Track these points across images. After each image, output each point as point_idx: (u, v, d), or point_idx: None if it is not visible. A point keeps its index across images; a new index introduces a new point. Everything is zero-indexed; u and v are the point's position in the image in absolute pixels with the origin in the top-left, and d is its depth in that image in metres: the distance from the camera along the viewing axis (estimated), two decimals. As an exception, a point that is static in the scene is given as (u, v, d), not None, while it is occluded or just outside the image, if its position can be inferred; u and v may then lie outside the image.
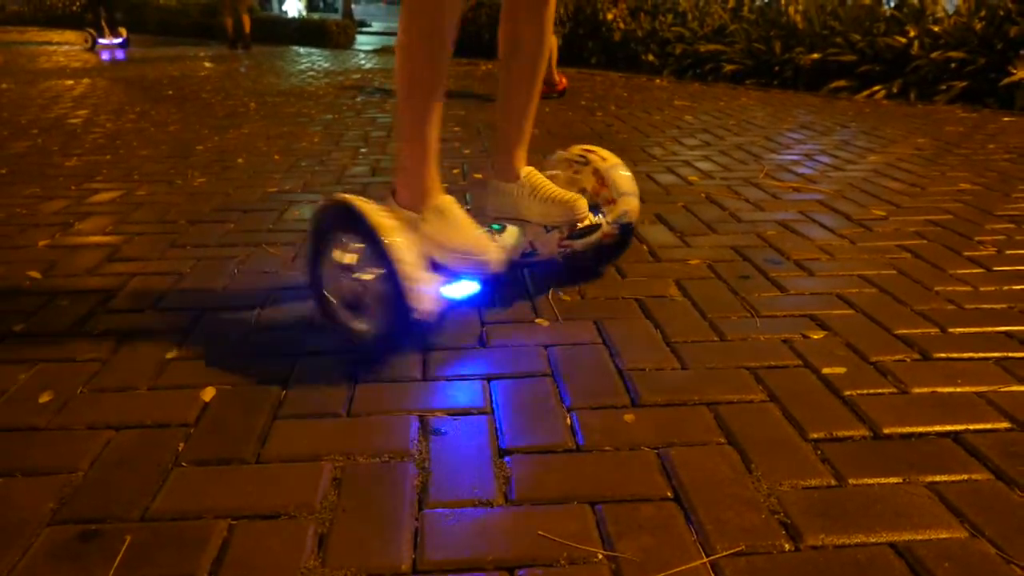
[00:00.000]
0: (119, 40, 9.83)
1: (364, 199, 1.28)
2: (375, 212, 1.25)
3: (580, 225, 1.55)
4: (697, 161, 2.93)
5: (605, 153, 1.67)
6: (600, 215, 1.61)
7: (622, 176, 1.63)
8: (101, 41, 9.73)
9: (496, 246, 1.38)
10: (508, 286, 1.64)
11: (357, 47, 11.06)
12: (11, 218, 2.17)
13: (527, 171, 1.60)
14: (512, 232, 1.54)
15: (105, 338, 1.39)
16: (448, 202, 1.38)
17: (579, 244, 1.59)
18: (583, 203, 1.53)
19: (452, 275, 1.34)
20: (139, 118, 4.05)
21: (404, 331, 1.26)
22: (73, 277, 1.71)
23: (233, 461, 1.03)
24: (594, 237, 1.59)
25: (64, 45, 10.37)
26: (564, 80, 4.89)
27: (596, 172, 1.66)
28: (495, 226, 1.56)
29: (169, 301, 1.57)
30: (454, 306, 1.45)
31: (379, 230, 1.21)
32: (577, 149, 1.70)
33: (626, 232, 1.63)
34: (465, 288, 1.38)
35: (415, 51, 1.31)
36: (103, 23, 9.72)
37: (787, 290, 1.62)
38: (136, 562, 0.84)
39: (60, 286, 1.65)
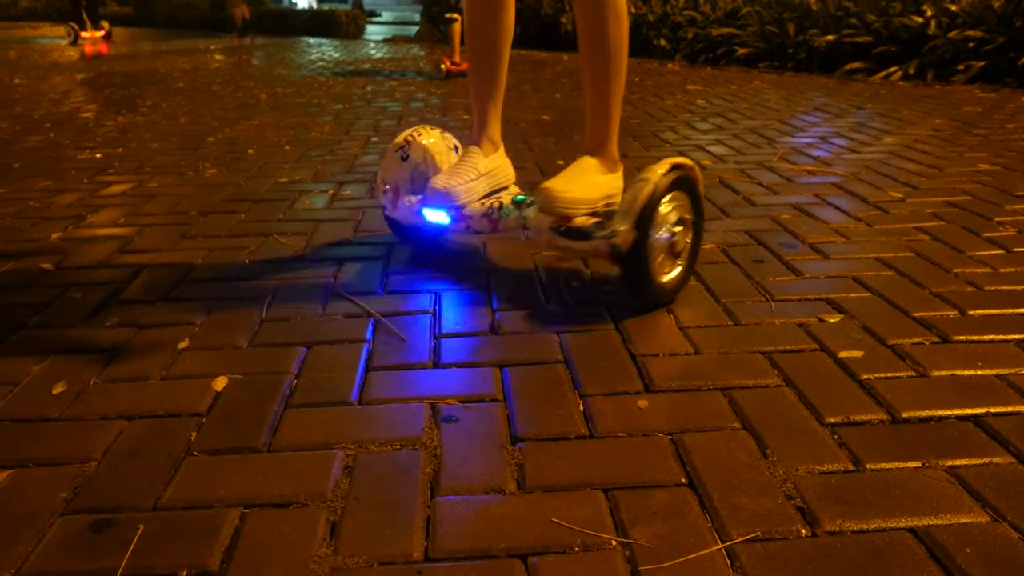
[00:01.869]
0: (102, 33, 9.84)
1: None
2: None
3: (565, 223, 1.45)
4: (710, 145, 2.90)
5: (660, 167, 1.39)
6: (599, 227, 1.43)
7: (631, 191, 1.37)
8: (83, 35, 9.76)
9: (455, 188, 1.52)
10: (518, 271, 1.63)
11: (367, 37, 11.04)
12: (24, 211, 2.18)
13: (580, 157, 1.54)
14: (531, 209, 1.50)
15: (117, 329, 1.40)
16: (467, 149, 1.62)
17: (561, 243, 1.45)
18: (558, 199, 1.41)
19: (427, 202, 1.56)
20: (150, 111, 4.06)
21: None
22: (85, 269, 1.71)
23: (245, 450, 1.02)
24: (583, 245, 1.42)
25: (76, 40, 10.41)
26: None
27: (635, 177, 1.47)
28: (518, 197, 1.56)
29: (180, 292, 1.57)
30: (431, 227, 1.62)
31: None
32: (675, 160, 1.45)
33: (616, 255, 1.37)
34: (435, 215, 1.57)
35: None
36: (84, 16, 9.73)
37: (802, 274, 1.60)
38: (148, 551, 0.84)
39: (73, 278, 1.65)
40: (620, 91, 1.52)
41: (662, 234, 1.41)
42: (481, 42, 1.60)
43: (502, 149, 1.67)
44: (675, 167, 1.41)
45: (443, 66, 5.28)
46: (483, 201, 1.56)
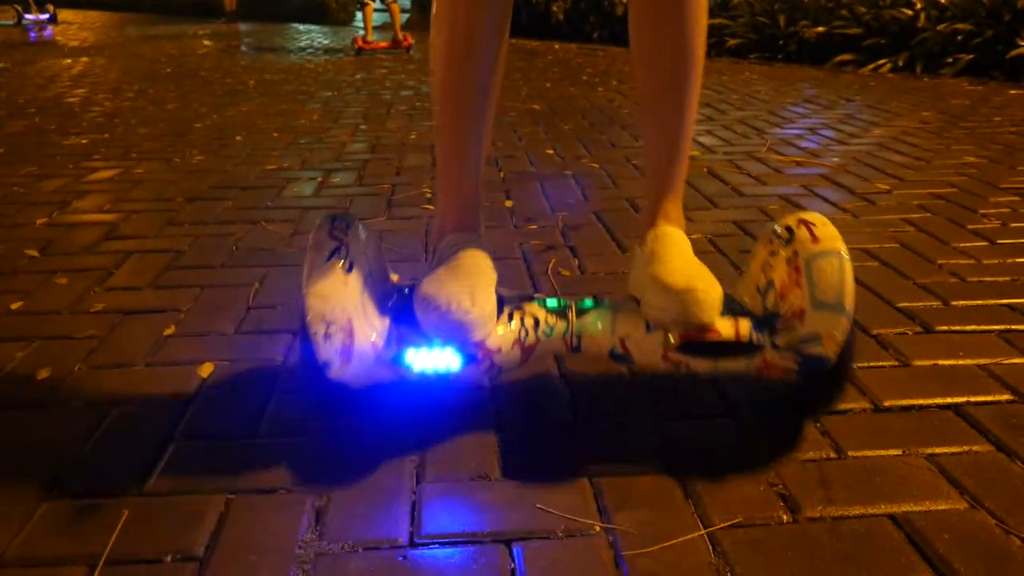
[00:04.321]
0: (46, 16, 9.86)
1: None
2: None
3: (705, 335, 0.95)
4: (699, 136, 2.90)
5: (824, 230, 0.97)
6: (763, 331, 0.96)
7: (828, 272, 0.92)
8: (28, 16, 9.77)
9: (483, 312, 0.93)
10: (507, 260, 1.63)
11: (357, 24, 10.96)
12: (9, 197, 2.16)
13: (661, 232, 1.04)
14: (594, 317, 1.00)
15: (103, 315, 1.39)
16: (459, 242, 1.04)
17: (699, 365, 0.97)
18: (706, 303, 0.92)
19: (427, 339, 0.95)
20: (137, 96, 4.02)
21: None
22: (71, 255, 1.70)
23: (230, 436, 1.02)
24: (737, 363, 0.96)
25: (62, 24, 10.29)
26: (409, 38, 6.15)
27: (793, 259, 0.96)
28: (586, 303, 1.02)
29: (167, 279, 1.56)
30: (425, 382, 1.00)
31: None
32: (792, 219, 1.01)
33: (812, 368, 0.93)
34: (437, 359, 0.95)
35: (437, 54, 1.04)
36: None
37: (788, 264, 1.60)
38: (133, 537, 0.84)
39: (58, 264, 1.64)
40: (695, 114, 1.08)
41: None
42: (476, 63, 1.02)
43: None
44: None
45: (356, 45, 6.10)
46: (507, 321, 0.99)
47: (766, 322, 0.98)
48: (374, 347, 0.94)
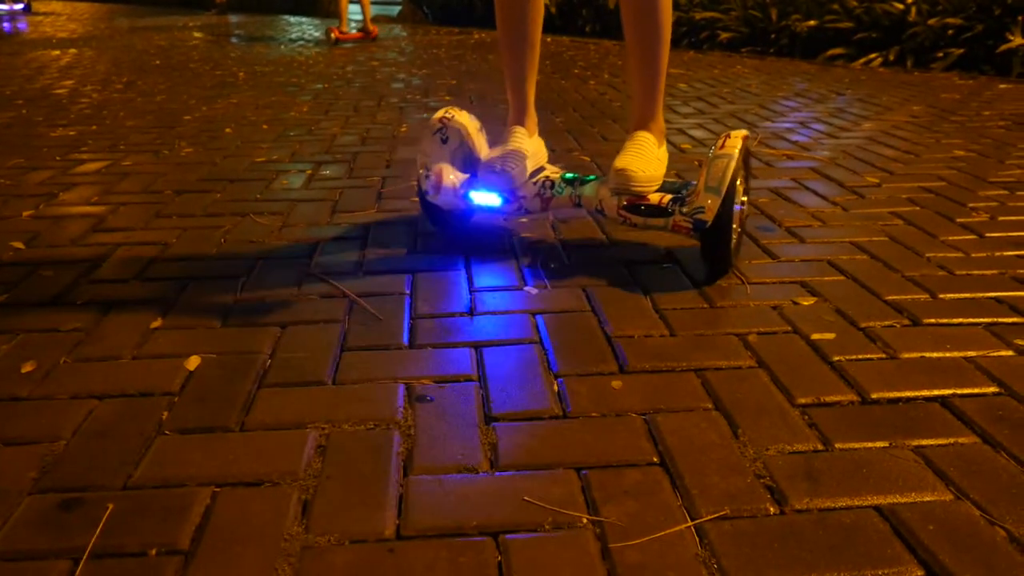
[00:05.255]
0: (21, 6, 9.83)
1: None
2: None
3: (639, 201, 1.49)
4: (690, 129, 2.90)
5: (731, 141, 1.47)
6: (677, 203, 1.47)
7: (718, 167, 1.42)
8: (1, 7, 9.72)
9: (513, 175, 1.54)
10: (497, 253, 1.63)
11: (349, 16, 10.89)
12: (-5, 189, 2.14)
13: (633, 135, 1.57)
14: (589, 186, 1.56)
15: (89, 308, 1.38)
16: (512, 130, 1.66)
17: (636, 219, 1.50)
18: (636, 178, 1.46)
19: (481, 184, 1.58)
20: (126, 88, 3.99)
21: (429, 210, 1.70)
22: (57, 248, 1.69)
23: (217, 429, 1.02)
24: (658, 221, 1.49)
25: (50, 15, 10.21)
26: (376, 29, 6.60)
27: (706, 157, 1.48)
28: (590, 177, 1.58)
29: (154, 271, 1.55)
30: (476, 210, 1.67)
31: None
32: (723, 134, 1.52)
33: (698, 227, 1.44)
34: (486, 198, 1.58)
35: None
36: None
37: (778, 257, 1.61)
38: (118, 530, 0.84)
39: (44, 256, 1.63)
40: (667, 60, 1.56)
41: (737, 205, 1.50)
42: (518, 21, 1.61)
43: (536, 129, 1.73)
44: (744, 139, 1.49)
45: (332, 35, 6.19)
46: (535, 180, 1.58)
47: (681, 198, 1.49)
48: (453, 186, 1.59)
